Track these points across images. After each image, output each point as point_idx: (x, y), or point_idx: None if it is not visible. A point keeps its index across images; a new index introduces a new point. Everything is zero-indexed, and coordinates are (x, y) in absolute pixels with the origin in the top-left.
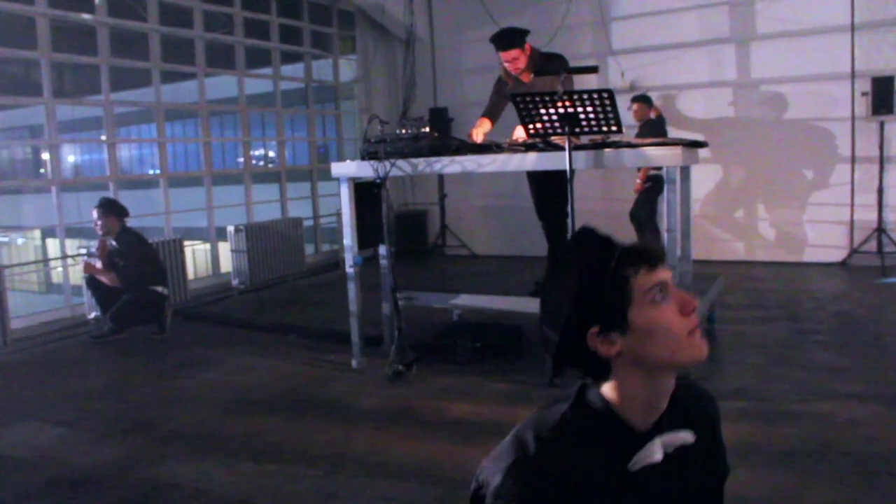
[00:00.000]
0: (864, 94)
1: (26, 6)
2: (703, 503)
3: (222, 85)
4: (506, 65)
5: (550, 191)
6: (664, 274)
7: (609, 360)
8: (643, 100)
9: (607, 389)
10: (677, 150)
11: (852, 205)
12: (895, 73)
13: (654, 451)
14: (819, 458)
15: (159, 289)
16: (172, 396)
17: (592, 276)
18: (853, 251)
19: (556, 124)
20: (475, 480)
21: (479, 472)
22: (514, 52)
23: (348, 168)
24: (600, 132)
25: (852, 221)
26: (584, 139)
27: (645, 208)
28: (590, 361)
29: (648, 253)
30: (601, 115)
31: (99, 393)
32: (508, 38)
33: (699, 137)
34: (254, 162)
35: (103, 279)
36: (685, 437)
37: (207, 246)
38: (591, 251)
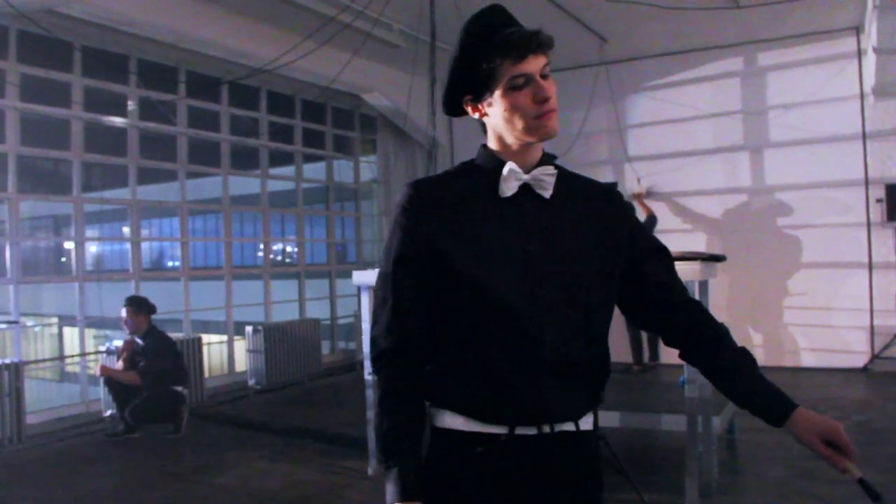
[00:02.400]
0: (878, 200)
1: (63, 109)
2: (596, 266)
3: (245, 180)
4: None
5: None
6: (532, 64)
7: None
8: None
9: (491, 143)
10: (696, 266)
11: (871, 310)
12: None
13: (514, 172)
14: None
15: (178, 388)
16: (186, 501)
17: (469, 56)
18: (874, 357)
19: None
20: None
21: None
22: None
23: (369, 277)
24: None
25: (872, 327)
26: None
27: None
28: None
29: (517, 45)
30: None
31: (110, 495)
32: None
33: (714, 242)
34: (272, 256)
35: (121, 379)
36: (547, 169)
37: (224, 340)
38: (476, 28)
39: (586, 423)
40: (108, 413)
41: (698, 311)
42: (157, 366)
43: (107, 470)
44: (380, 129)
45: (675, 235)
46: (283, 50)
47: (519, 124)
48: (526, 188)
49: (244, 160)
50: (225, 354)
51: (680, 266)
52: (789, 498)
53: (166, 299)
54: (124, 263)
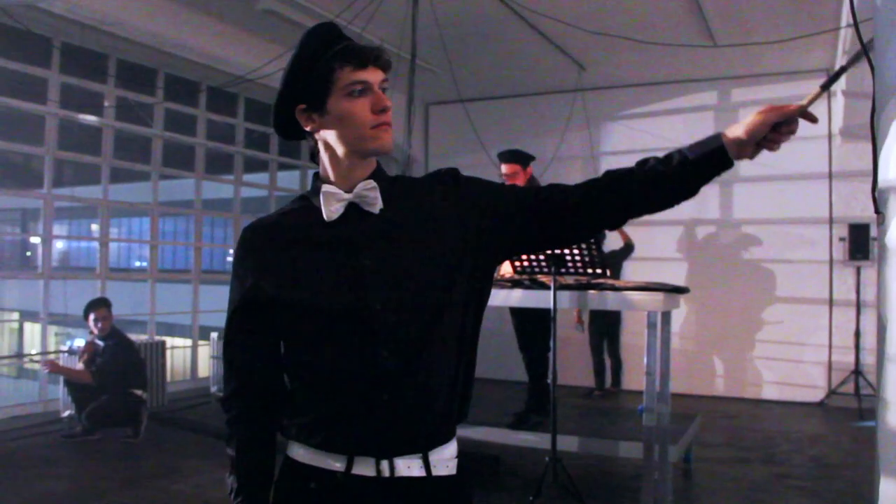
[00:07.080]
0: (841, 239)
1: (38, 105)
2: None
3: (218, 185)
4: (504, 179)
5: (533, 326)
6: (371, 75)
7: (315, 135)
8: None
9: (321, 166)
10: (659, 296)
11: (830, 346)
12: (871, 221)
13: (332, 194)
14: None
15: (138, 392)
16: None
17: (307, 61)
18: (831, 392)
19: (543, 263)
20: None
21: None
22: (514, 167)
23: None
24: (585, 274)
25: (830, 362)
26: (570, 279)
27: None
28: (301, 134)
29: (359, 54)
30: (587, 258)
31: (64, 499)
32: (512, 153)
33: (681, 272)
34: None
35: (72, 377)
36: (368, 184)
37: (188, 345)
38: (315, 38)
39: (443, 466)
40: (67, 413)
41: (610, 178)
42: (116, 370)
43: (61, 472)
44: None
45: (643, 264)
46: (263, 59)
47: (353, 133)
48: (355, 207)
49: (218, 165)
50: (188, 359)
51: (643, 296)
52: None
53: (132, 300)
54: (91, 261)
